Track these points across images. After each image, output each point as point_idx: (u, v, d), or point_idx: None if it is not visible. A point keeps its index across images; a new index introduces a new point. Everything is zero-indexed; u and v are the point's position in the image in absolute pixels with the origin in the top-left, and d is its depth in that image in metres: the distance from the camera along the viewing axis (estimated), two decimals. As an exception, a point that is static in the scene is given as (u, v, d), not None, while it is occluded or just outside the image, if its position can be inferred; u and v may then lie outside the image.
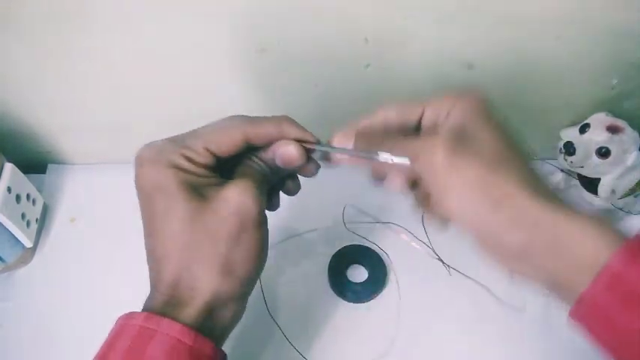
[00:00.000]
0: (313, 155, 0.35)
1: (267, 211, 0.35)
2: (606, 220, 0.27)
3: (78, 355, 0.45)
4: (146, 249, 0.32)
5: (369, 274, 0.48)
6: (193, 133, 0.33)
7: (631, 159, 0.44)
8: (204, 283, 0.30)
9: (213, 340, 0.30)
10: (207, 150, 0.32)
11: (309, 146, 0.34)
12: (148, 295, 0.32)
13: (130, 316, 0.30)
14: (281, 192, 0.38)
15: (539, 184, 0.29)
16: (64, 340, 0.46)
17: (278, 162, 0.34)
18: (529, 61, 0.45)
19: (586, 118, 0.48)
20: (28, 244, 0.49)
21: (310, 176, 0.36)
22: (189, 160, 0.31)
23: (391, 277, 0.48)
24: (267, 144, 0.34)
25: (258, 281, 0.35)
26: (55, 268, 0.50)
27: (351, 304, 0.47)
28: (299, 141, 0.33)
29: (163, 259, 0.31)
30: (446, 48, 0.44)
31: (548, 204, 0.28)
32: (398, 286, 0.48)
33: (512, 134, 0.31)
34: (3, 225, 0.46)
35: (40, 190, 0.52)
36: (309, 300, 0.47)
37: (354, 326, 0.46)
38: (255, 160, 0.34)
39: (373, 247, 0.49)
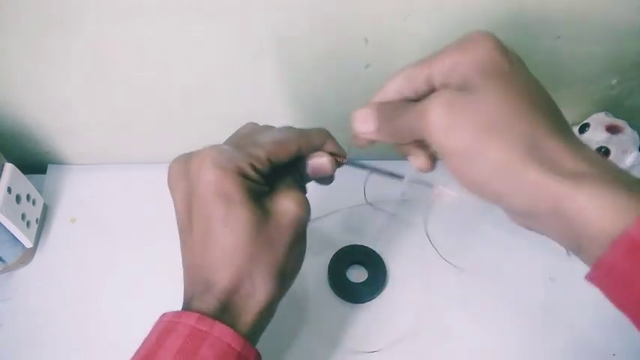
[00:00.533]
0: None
1: None
2: (625, 182, 0.26)
3: (78, 354, 0.45)
4: (193, 249, 0.32)
5: (369, 274, 0.48)
6: (256, 143, 0.33)
7: (630, 159, 0.44)
8: (262, 293, 0.31)
9: (254, 346, 0.32)
10: (269, 160, 0.32)
11: (340, 160, 0.36)
12: (187, 294, 0.32)
13: (180, 315, 0.30)
14: None
15: (549, 146, 0.27)
16: (64, 340, 0.46)
17: (309, 170, 0.36)
18: (529, 61, 0.45)
19: (586, 118, 0.48)
20: (28, 244, 0.49)
21: (326, 184, 0.38)
22: (255, 169, 0.32)
23: (391, 278, 0.48)
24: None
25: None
26: (55, 269, 0.50)
27: (351, 304, 0.47)
28: (331, 154, 0.36)
29: (223, 264, 0.31)
30: (446, 48, 0.44)
31: (552, 171, 0.26)
32: (398, 286, 0.48)
33: (527, 84, 0.29)
34: (3, 225, 0.46)
35: (40, 191, 0.52)
36: (309, 300, 0.47)
37: (354, 326, 0.46)
38: (294, 170, 0.35)
39: (373, 247, 0.49)
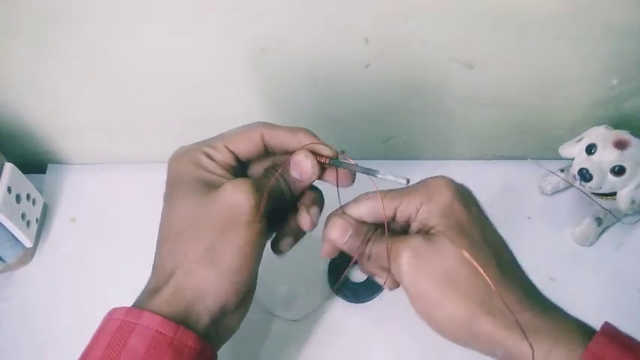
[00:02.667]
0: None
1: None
2: (572, 326, 0.30)
3: (77, 354, 0.45)
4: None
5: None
6: (218, 135, 0.35)
7: None
8: (181, 270, 0.31)
9: (200, 333, 0.30)
10: (227, 148, 0.34)
11: (321, 160, 0.34)
12: None
13: (113, 311, 0.31)
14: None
15: (497, 300, 0.30)
16: (63, 339, 0.45)
17: (292, 172, 0.34)
18: (529, 61, 0.45)
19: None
20: (28, 244, 0.49)
21: (346, 186, 0.36)
22: (209, 157, 0.33)
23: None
24: (286, 154, 0.35)
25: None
26: (55, 268, 0.50)
27: (351, 304, 0.47)
28: (316, 154, 0.34)
29: (160, 244, 0.32)
30: (446, 48, 0.44)
31: (503, 323, 0.30)
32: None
33: (482, 233, 0.33)
34: (3, 225, 0.46)
35: (40, 190, 0.52)
36: (309, 300, 0.47)
37: (354, 326, 0.46)
38: (272, 172, 0.35)
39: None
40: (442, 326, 0.32)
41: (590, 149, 0.45)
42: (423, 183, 0.34)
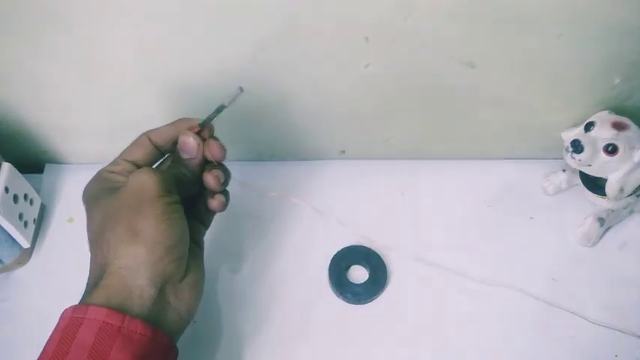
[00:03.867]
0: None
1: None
2: None
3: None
4: None
5: (369, 275, 0.48)
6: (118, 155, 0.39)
7: (638, 155, 0.44)
8: (111, 253, 0.33)
9: (145, 320, 0.32)
10: (124, 159, 0.38)
11: (195, 129, 0.38)
12: None
13: (64, 311, 0.33)
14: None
15: None
16: (61, 341, 0.45)
17: (181, 154, 0.38)
18: (530, 60, 0.44)
19: (587, 118, 0.47)
20: (26, 244, 0.48)
21: (219, 158, 0.39)
22: (111, 172, 0.38)
23: (391, 279, 0.48)
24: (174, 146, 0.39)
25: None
26: (52, 269, 0.50)
27: (352, 305, 0.47)
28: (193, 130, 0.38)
29: (91, 252, 0.35)
30: (446, 48, 0.44)
31: None
32: (398, 286, 0.48)
33: None
34: (0, 225, 0.46)
35: (37, 190, 0.52)
36: (309, 300, 0.47)
37: (354, 327, 0.46)
38: (171, 164, 0.39)
39: (374, 247, 0.49)
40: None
41: (589, 127, 0.46)
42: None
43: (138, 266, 0.32)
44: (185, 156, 0.38)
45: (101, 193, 0.36)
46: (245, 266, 0.49)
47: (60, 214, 0.53)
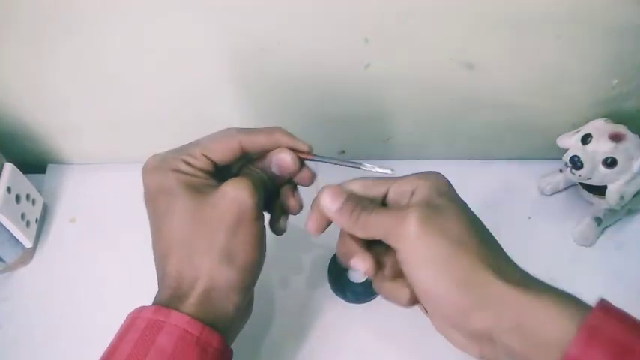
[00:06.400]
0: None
1: (274, 235, 0.38)
2: (570, 297, 0.29)
3: (78, 354, 0.45)
4: (153, 248, 0.34)
5: (369, 274, 0.48)
6: (193, 142, 0.36)
7: (637, 165, 0.44)
8: (204, 271, 0.32)
9: (221, 332, 0.31)
10: (205, 156, 0.35)
11: (301, 156, 0.36)
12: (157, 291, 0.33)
13: (140, 309, 0.32)
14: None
15: (504, 264, 0.31)
16: (63, 340, 0.46)
17: (274, 169, 0.36)
18: (529, 61, 0.45)
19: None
20: (28, 244, 0.49)
21: (307, 185, 0.38)
22: (188, 164, 0.34)
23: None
24: (263, 154, 0.36)
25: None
26: (54, 269, 0.50)
27: (352, 304, 0.47)
28: (294, 151, 0.36)
29: (168, 254, 0.33)
30: (446, 48, 0.44)
31: (513, 284, 0.29)
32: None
33: (473, 214, 0.33)
34: (3, 225, 0.46)
35: (39, 191, 0.52)
36: (309, 300, 0.47)
37: (354, 327, 0.46)
38: (253, 168, 0.37)
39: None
40: (447, 294, 0.30)
41: (586, 139, 0.45)
42: (414, 174, 0.35)
43: (228, 291, 0.32)
44: (274, 171, 0.36)
45: (178, 188, 0.33)
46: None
47: (62, 214, 0.53)
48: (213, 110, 0.50)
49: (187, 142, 0.36)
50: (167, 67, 0.46)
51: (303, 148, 0.36)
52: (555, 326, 0.28)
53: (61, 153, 0.56)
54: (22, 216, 0.48)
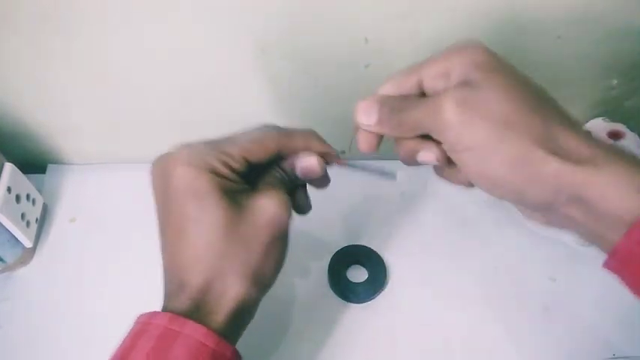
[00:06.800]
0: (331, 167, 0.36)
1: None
2: (635, 167, 0.26)
3: (78, 355, 0.45)
4: (167, 249, 0.32)
5: (369, 274, 0.48)
6: (231, 140, 0.33)
7: None
8: (235, 292, 0.31)
9: (232, 344, 0.31)
10: (244, 158, 0.32)
11: (330, 160, 0.35)
12: (165, 294, 0.32)
13: (152, 315, 0.30)
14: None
15: (561, 137, 0.28)
16: (63, 340, 0.46)
17: (298, 172, 0.35)
18: (529, 61, 0.45)
19: (586, 119, 0.48)
20: (28, 244, 0.49)
21: (322, 188, 0.37)
22: (227, 165, 0.32)
23: (391, 278, 0.48)
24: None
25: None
26: (54, 269, 0.50)
27: (351, 304, 0.47)
28: (320, 155, 0.35)
29: (195, 263, 0.31)
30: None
31: (569, 160, 0.27)
32: (398, 286, 0.48)
33: (526, 81, 0.30)
34: (3, 225, 0.46)
35: (39, 190, 0.52)
36: (309, 300, 0.47)
37: (354, 327, 0.46)
38: (278, 169, 0.35)
39: (373, 247, 0.49)
40: (499, 175, 0.28)
41: None
42: (445, 49, 0.31)
43: (250, 307, 0.32)
44: (297, 174, 0.35)
45: (214, 194, 0.30)
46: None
47: (62, 214, 0.53)
48: (213, 110, 0.50)
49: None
50: (167, 67, 0.46)
51: (333, 154, 0.35)
52: (620, 200, 0.26)
53: (61, 153, 0.56)
54: (22, 216, 0.48)
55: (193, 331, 0.29)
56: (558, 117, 0.29)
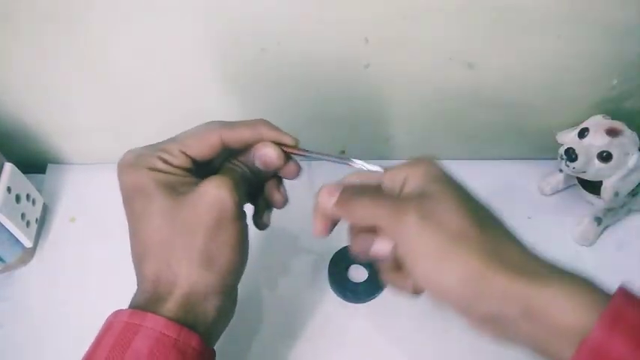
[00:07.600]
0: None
1: (258, 230, 0.37)
2: (584, 282, 0.28)
3: (78, 355, 0.45)
4: (131, 248, 0.33)
5: (369, 274, 0.48)
6: (171, 138, 0.34)
7: (632, 161, 0.44)
8: (183, 276, 0.31)
9: (199, 333, 0.31)
10: (183, 153, 0.33)
11: (287, 150, 0.35)
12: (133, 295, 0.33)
13: (116, 313, 0.31)
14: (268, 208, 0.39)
15: (509, 252, 0.29)
16: (63, 340, 0.45)
17: (258, 164, 0.35)
18: (529, 61, 0.45)
19: (586, 119, 0.48)
20: (28, 244, 0.49)
21: (293, 178, 0.37)
22: (165, 162, 0.33)
23: (391, 277, 0.48)
24: (246, 148, 0.35)
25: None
26: (54, 268, 0.50)
27: (352, 304, 0.47)
28: (278, 144, 0.34)
29: (144, 257, 0.32)
30: (446, 48, 0.44)
31: (518, 275, 0.28)
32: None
33: (473, 196, 0.31)
34: (3, 225, 0.46)
35: (39, 190, 0.52)
36: (310, 300, 0.47)
37: (354, 326, 0.46)
38: (236, 162, 0.35)
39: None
40: (450, 285, 0.29)
41: (583, 133, 0.46)
42: (405, 162, 0.33)
43: (208, 295, 0.31)
44: (258, 166, 0.35)
45: (154, 188, 0.32)
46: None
47: (62, 213, 0.54)
48: (214, 110, 0.50)
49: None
50: (167, 67, 0.46)
51: (288, 141, 0.35)
52: (567, 314, 0.26)
53: (61, 153, 0.56)
54: (22, 216, 0.48)
55: (154, 323, 0.29)
56: (506, 233, 0.30)
